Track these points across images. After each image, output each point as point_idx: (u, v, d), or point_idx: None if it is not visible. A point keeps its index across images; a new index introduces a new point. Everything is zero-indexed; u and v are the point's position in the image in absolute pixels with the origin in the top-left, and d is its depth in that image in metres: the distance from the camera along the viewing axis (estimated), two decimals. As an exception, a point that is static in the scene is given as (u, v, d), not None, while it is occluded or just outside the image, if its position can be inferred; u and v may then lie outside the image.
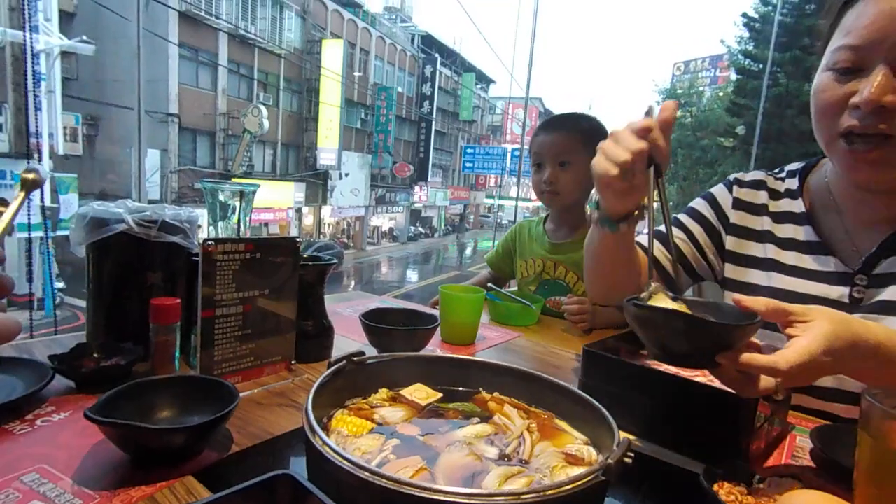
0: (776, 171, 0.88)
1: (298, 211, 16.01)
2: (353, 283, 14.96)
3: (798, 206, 0.80)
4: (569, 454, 0.48)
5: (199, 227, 0.80)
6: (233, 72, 13.40)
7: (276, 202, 14.56)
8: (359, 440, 0.48)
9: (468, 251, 23.34)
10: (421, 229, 24.80)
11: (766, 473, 0.50)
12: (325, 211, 17.43)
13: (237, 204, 0.84)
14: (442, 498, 0.36)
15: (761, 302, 0.50)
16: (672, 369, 0.70)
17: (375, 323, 0.86)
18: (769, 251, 0.81)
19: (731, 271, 0.84)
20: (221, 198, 0.83)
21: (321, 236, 17.25)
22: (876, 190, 0.68)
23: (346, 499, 0.36)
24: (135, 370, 0.69)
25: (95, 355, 0.70)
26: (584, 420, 0.52)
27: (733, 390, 0.51)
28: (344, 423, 0.50)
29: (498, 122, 31.06)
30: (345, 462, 0.38)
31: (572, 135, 1.28)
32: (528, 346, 1.02)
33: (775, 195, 0.84)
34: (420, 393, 0.58)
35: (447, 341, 0.99)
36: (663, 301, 0.55)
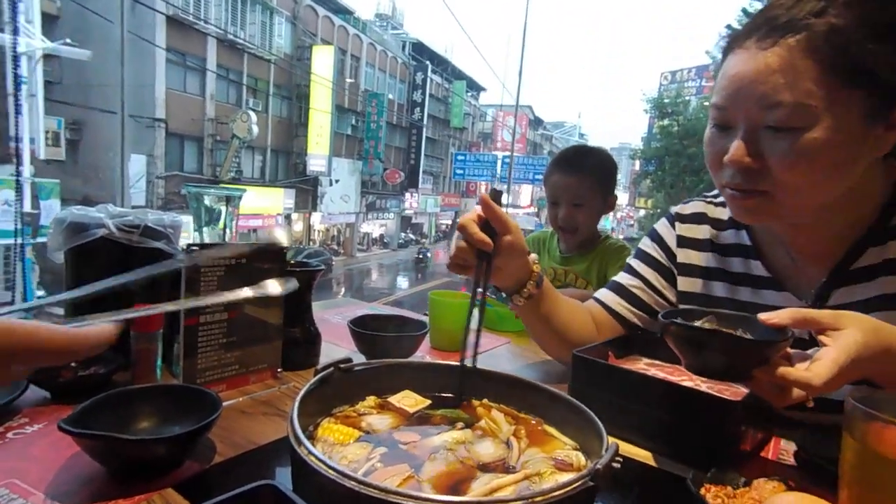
0: (714, 194, 0.83)
1: (288, 217, 15.89)
2: (342, 289, 14.85)
3: (744, 237, 0.78)
4: (558, 460, 0.48)
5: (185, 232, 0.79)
6: (221, 77, 13.30)
7: (265, 209, 14.44)
8: (345, 449, 0.47)
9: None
10: (412, 236, 24.76)
11: (752, 476, 0.50)
12: (315, 217, 17.32)
13: (223, 209, 0.83)
14: (429, 507, 0.35)
15: (786, 315, 0.50)
16: (661, 374, 0.70)
17: (364, 329, 0.85)
18: (718, 289, 0.78)
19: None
20: (207, 202, 0.82)
21: (311, 243, 17.13)
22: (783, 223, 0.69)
23: (330, 509, 0.35)
24: (115, 379, 0.67)
25: (73, 364, 0.68)
26: (572, 425, 0.52)
27: (768, 400, 0.52)
28: (330, 431, 0.49)
29: (488, 129, 31.27)
30: (330, 471, 0.37)
31: (586, 177, 1.40)
32: (518, 352, 1.02)
33: (718, 225, 0.81)
34: (408, 400, 0.57)
35: (437, 347, 0.98)
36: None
